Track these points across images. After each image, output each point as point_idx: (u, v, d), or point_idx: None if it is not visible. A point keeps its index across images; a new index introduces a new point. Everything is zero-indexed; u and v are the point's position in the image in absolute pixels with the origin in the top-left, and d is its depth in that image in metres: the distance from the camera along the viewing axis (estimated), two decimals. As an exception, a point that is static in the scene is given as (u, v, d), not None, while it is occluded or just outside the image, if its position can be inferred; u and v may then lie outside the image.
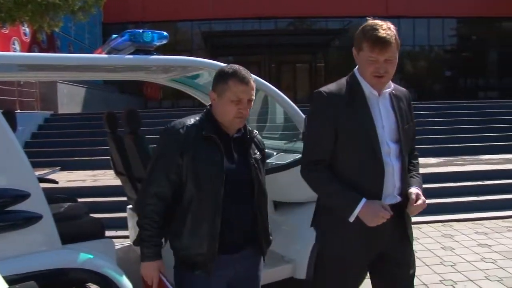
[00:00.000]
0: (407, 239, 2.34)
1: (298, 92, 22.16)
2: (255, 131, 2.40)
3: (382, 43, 2.09)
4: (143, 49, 3.18)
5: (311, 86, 23.60)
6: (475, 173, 7.92)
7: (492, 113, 11.89)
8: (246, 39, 21.54)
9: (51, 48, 15.82)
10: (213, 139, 2.15)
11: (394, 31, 2.15)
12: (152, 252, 2.18)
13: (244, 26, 21.74)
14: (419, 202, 2.20)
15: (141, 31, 3.16)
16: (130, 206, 4.41)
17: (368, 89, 2.22)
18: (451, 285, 4.20)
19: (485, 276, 4.41)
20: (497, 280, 4.30)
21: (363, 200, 2.14)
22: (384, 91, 2.25)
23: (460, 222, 6.35)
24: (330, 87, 2.27)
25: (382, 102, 2.25)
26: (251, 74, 2.23)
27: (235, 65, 2.24)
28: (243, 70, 2.20)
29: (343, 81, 2.30)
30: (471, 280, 4.31)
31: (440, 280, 4.31)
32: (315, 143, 2.29)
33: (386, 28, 2.12)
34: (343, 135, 2.20)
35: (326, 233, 2.35)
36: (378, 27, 2.12)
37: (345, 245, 2.27)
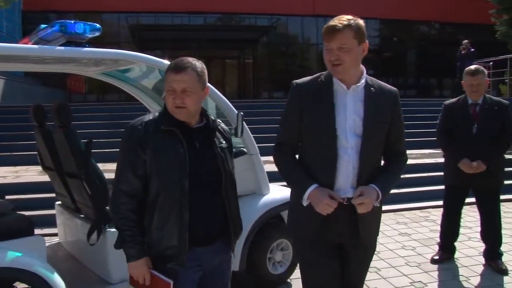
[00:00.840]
0: (358, 236, 2.35)
1: (227, 88, 22.21)
2: (219, 120, 2.42)
3: (330, 30, 2.19)
4: (74, 41, 3.11)
5: (239, 81, 23.77)
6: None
7: (411, 110, 12.55)
8: (175, 33, 21.23)
9: (-37, 35, 14.73)
10: (172, 132, 2.15)
11: (352, 22, 2.19)
12: (135, 251, 2.16)
13: (173, 20, 21.44)
14: (358, 200, 2.19)
15: (72, 22, 3.08)
16: (59, 202, 4.26)
17: (336, 82, 2.27)
18: (376, 272, 4.46)
19: (405, 263, 4.72)
20: (416, 266, 4.63)
21: (313, 186, 2.22)
22: (355, 85, 2.27)
23: (382, 213, 6.67)
24: (304, 79, 2.38)
25: (352, 96, 2.27)
26: (197, 67, 2.19)
27: (186, 57, 2.22)
28: (182, 61, 2.19)
29: (319, 74, 2.37)
30: (393, 267, 4.60)
31: (365, 268, 4.55)
32: (282, 127, 2.45)
33: (343, 20, 2.19)
34: (305, 124, 2.30)
35: (290, 216, 2.49)
36: (335, 18, 2.22)
37: (300, 229, 2.39)
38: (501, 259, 4.51)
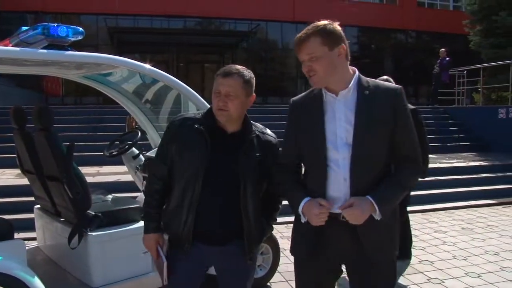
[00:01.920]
0: (364, 254, 2.13)
1: (206, 92, 22.14)
2: (267, 132, 2.43)
3: (296, 43, 2.14)
4: (56, 44, 3.10)
5: (219, 86, 23.70)
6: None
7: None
8: (154, 36, 21.13)
9: None
10: (201, 132, 2.23)
11: (321, 28, 2.08)
12: (150, 226, 2.38)
13: (152, 24, 21.33)
14: (346, 211, 2.03)
15: (55, 25, 3.08)
16: (38, 206, 4.22)
17: (325, 92, 2.18)
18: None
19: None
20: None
21: (305, 199, 2.13)
22: (344, 90, 2.13)
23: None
24: (299, 95, 2.33)
25: (342, 103, 2.13)
26: (244, 75, 2.26)
27: (235, 65, 2.30)
28: (231, 67, 2.28)
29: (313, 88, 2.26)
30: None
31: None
32: (283, 147, 2.36)
33: (310, 28, 2.10)
34: (299, 140, 2.24)
35: (291, 233, 2.38)
36: (304, 29, 2.13)
37: (295, 247, 2.32)
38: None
